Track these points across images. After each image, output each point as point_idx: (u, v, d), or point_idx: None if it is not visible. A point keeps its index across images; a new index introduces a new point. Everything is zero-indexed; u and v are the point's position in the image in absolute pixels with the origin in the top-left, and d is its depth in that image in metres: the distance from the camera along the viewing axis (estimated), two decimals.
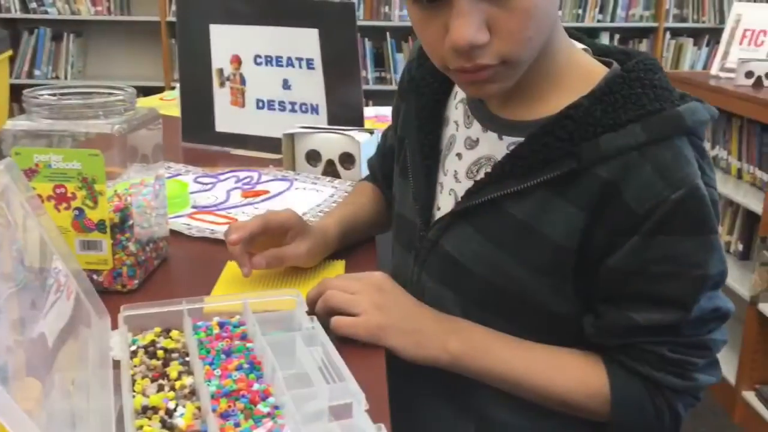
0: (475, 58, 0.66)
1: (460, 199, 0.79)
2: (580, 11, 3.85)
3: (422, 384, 0.83)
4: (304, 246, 0.89)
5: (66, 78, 3.93)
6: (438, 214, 0.83)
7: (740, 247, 2.59)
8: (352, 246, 1.02)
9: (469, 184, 0.78)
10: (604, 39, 3.91)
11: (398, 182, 0.92)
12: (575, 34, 0.81)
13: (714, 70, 2.75)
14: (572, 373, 0.76)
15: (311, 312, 0.74)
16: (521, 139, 0.74)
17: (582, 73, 0.75)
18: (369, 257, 1.01)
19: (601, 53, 0.80)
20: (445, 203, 0.83)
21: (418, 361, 0.75)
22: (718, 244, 0.71)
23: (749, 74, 2.47)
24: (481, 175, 0.78)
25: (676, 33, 3.94)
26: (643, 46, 3.93)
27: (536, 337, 0.78)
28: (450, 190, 0.82)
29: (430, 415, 0.85)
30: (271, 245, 0.88)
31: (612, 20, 3.87)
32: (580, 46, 0.80)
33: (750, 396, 2.31)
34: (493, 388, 0.77)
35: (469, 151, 0.81)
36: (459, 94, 0.85)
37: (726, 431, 2.33)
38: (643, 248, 0.69)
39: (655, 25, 3.86)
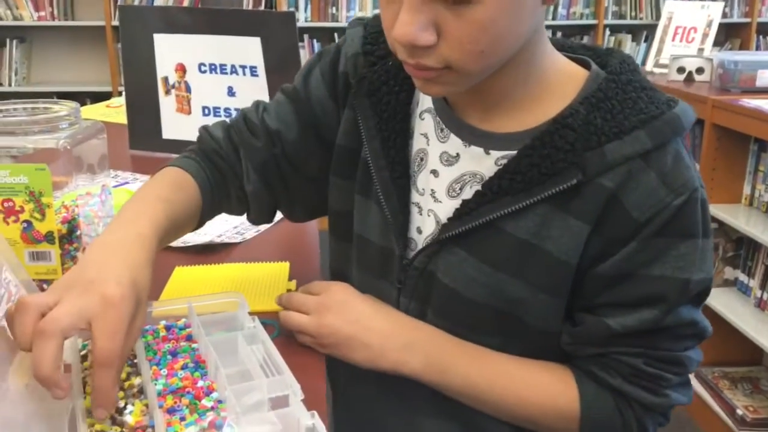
0: (417, 56, 0.62)
1: (446, 221, 0.73)
2: None
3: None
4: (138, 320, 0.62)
5: (10, 85, 3.87)
6: (420, 238, 0.77)
7: None
8: (296, 247, 1.06)
9: (452, 203, 0.73)
10: None
11: (357, 200, 0.81)
12: None
13: (649, 66, 2.87)
14: (540, 390, 0.73)
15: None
16: (512, 153, 0.69)
17: (564, 77, 0.71)
18: (312, 257, 1.06)
19: (561, 49, 0.75)
20: (426, 225, 0.76)
21: (373, 368, 0.75)
22: (705, 250, 0.69)
23: (681, 70, 2.59)
24: (465, 194, 0.72)
25: (615, 29, 4.07)
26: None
27: (527, 356, 0.75)
28: (429, 210, 0.76)
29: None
30: None
31: (554, 18, 3.98)
32: None
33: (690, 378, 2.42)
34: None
35: (447, 168, 0.74)
36: (424, 102, 0.78)
37: None
38: (637, 252, 0.67)
39: (595, 22, 3.99)
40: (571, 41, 0.78)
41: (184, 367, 0.66)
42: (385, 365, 0.74)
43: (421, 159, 0.77)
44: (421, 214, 0.77)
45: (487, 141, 0.72)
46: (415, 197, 0.77)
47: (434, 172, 0.75)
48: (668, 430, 2.29)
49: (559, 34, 4.02)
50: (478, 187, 0.71)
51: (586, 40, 4.05)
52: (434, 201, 0.75)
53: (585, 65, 0.73)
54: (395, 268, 0.77)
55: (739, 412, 2.18)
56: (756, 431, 2.14)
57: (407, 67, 0.66)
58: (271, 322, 0.80)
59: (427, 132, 0.76)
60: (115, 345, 0.56)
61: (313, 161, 0.85)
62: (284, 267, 1.00)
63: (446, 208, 0.73)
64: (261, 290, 0.93)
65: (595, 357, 0.72)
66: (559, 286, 0.70)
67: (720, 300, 2.27)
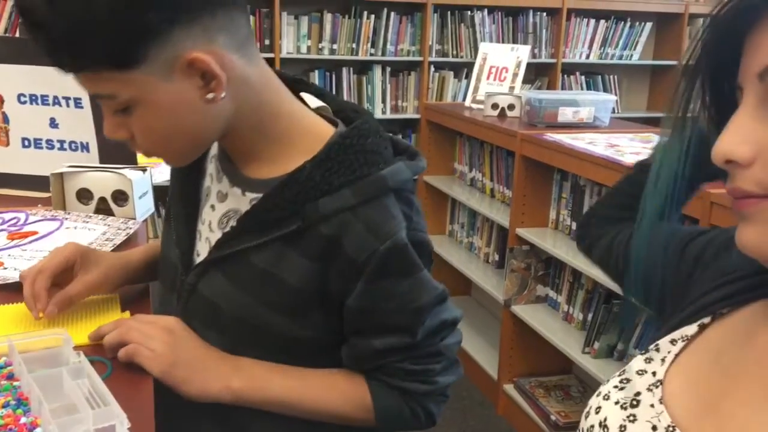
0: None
1: (212, 248, 0.87)
2: (354, 45, 4.11)
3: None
4: (91, 276, 0.94)
5: None
6: (197, 260, 0.90)
7: (496, 257, 2.94)
8: (129, 284, 1.06)
9: (220, 234, 0.87)
10: (377, 72, 4.20)
11: (164, 227, 0.98)
12: (320, 90, 0.93)
13: (467, 102, 3.11)
14: (340, 394, 0.88)
15: (110, 353, 0.82)
16: (260, 195, 0.84)
17: (311, 135, 0.84)
18: (143, 296, 1.07)
19: (338, 108, 0.91)
20: (203, 250, 0.90)
21: (203, 400, 0.82)
22: (426, 278, 0.84)
23: (495, 106, 2.83)
24: (229, 227, 0.86)
25: (438, 66, 4.34)
26: (412, 78, 4.28)
27: (280, 356, 0.87)
28: (206, 238, 0.90)
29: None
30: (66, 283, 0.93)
31: (383, 54, 4.17)
32: (317, 103, 0.91)
33: (510, 389, 2.63)
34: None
35: (220, 204, 0.89)
36: (213, 149, 0.93)
37: (491, 422, 2.63)
38: (369, 290, 0.81)
39: (420, 59, 4.23)
40: (350, 103, 0.92)
41: (5, 405, 0.66)
42: (213, 390, 0.82)
43: (207, 194, 0.92)
44: (200, 240, 0.91)
45: (245, 184, 0.87)
46: (199, 226, 0.92)
47: (212, 207, 0.90)
48: None
49: (388, 70, 4.23)
50: (235, 223, 0.85)
51: (413, 75, 4.29)
52: (210, 230, 0.90)
53: (344, 121, 0.88)
54: (177, 283, 0.91)
55: (553, 417, 2.40)
56: None
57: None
58: (102, 359, 0.81)
59: (212, 173, 0.92)
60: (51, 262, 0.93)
61: None
62: (113, 299, 1.00)
63: (216, 237, 0.88)
64: (92, 323, 0.92)
65: (375, 369, 0.88)
66: (296, 308, 0.83)
67: (532, 315, 2.49)
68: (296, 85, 0.92)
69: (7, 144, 1.51)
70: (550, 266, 2.54)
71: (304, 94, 0.92)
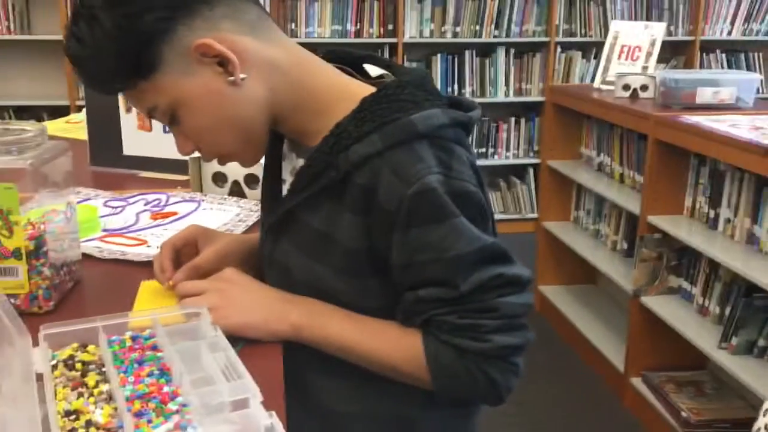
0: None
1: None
2: (478, 27, 4.06)
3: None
4: (212, 248, 0.99)
5: None
6: None
7: (625, 245, 2.82)
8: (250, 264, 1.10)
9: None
10: (501, 54, 4.13)
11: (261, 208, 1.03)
12: (384, 61, 0.94)
13: (596, 83, 2.99)
14: (394, 342, 0.86)
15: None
16: None
17: (347, 102, 0.84)
18: None
19: (387, 68, 0.92)
20: None
21: (266, 338, 0.86)
22: (463, 225, 0.79)
23: (626, 87, 2.71)
24: None
25: (566, 47, 4.20)
26: (537, 60, 4.18)
27: None
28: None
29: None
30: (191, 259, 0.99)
31: (507, 36, 4.09)
32: (377, 71, 0.92)
33: (637, 382, 2.52)
34: (333, 385, 0.91)
35: (291, 178, 0.93)
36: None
37: (617, 414, 2.54)
38: (403, 243, 0.80)
39: (546, 39, 4.11)
40: (408, 70, 0.91)
41: (150, 374, 0.70)
42: (275, 325, 0.86)
43: (284, 176, 0.97)
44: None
45: (304, 153, 0.90)
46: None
47: (284, 181, 0.96)
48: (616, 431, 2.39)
49: (512, 52, 4.15)
50: None
51: (538, 57, 4.18)
52: None
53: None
54: (266, 261, 0.96)
55: (684, 414, 2.28)
56: None
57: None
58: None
59: (286, 152, 0.97)
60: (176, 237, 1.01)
61: None
62: None
63: None
64: None
65: (426, 323, 0.84)
66: (356, 268, 0.85)
67: (664, 307, 2.37)
68: (365, 60, 0.94)
69: (150, 129, 1.60)
70: (684, 256, 2.41)
71: (367, 66, 0.94)
